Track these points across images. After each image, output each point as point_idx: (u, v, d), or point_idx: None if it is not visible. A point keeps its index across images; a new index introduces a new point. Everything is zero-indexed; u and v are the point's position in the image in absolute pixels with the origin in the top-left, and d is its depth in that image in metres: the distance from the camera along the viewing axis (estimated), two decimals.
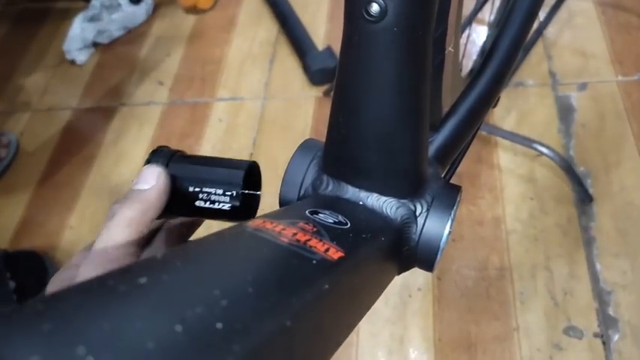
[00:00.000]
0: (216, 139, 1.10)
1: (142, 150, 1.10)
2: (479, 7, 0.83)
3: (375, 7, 0.24)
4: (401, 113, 0.28)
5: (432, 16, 0.25)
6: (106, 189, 1.06)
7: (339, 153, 0.31)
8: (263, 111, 1.13)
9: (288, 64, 1.20)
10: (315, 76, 1.13)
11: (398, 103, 0.27)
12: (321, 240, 0.23)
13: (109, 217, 0.28)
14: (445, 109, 0.44)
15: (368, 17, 0.24)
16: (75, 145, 1.14)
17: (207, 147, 1.08)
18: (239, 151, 1.07)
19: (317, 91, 1.13)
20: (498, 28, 0.40)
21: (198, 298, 0.15)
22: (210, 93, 1.18)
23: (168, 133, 1.12)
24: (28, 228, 1.03)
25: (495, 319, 0.79)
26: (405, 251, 0.33)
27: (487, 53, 0.39)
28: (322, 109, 1.10)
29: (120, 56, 1.31)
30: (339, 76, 0.28)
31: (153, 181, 0.29)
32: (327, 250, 0.23)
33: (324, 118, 1.13)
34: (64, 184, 1.08)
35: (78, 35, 1.32)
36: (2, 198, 1.08)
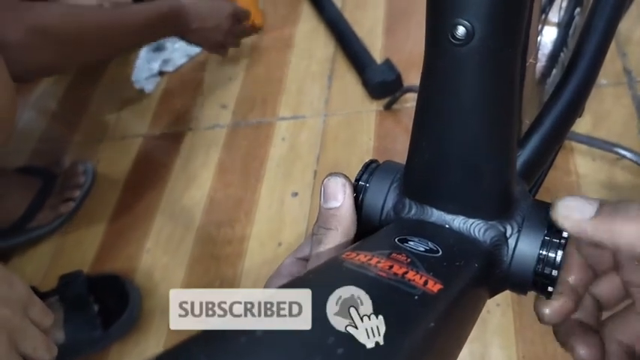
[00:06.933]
0: (280, 158, 1.11)
1: (210, 173, 1.13)
2: (546, 8, 0.80)
3: (461, 30, 0.23)
4: (490, 134, 0.27)
5: (520, 33, 0.24)
6: (179, 213, 1.09)
7: (422, 177, 0.30)
8: (325, 128, 1.13)
9: (347, 79, 1.20)
10: (375, 90, 1.13)
11: (487, 125, 0.26)
12: (418, 272, 0.23)
13: (314, 242, 0.27)
14: (524, 120, 0.42)
15: (454, 41, 0.23)
16: (147, 171, 1.19)
17: (272, 166, 1.10)
18: (303, 169, 1.07)
19: (378, 105, 1.12)
20: (580, 34, 0.38)
21: (315, 347, 0.15)
22: (272, 113, 1.20)
23: (234, 155, 1.15)
24: (108, 252, 1.08)
25: None
26: (497, 274, 0.31)
27: (570, 61, 0.37)
28: (384, 123, 1.09)
29: (184, 83, 1.36)
30: (421, 100, 0.28)
31: (340, 195, 0.27)
32: (425, 282, 0.22)
33: (386, 131, 1.12)
34: (139, 209, 1.12)
35: (144, 65, 1.39)
36: (83, 224, 1.14)
